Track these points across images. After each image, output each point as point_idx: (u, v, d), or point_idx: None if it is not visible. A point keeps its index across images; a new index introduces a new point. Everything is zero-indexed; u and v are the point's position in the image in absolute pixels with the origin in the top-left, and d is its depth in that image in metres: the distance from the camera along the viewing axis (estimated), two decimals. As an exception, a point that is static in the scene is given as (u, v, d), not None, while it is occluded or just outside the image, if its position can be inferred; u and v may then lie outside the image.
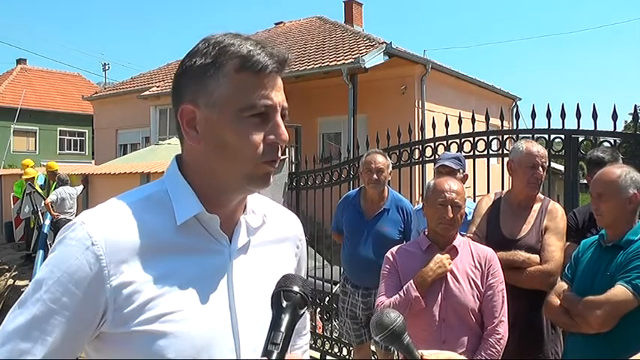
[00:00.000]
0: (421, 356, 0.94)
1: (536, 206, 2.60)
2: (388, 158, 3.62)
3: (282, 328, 0.76)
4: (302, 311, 0.79)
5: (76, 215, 8.32)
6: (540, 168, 2.55)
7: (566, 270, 2.29)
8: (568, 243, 2.54)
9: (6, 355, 0.80)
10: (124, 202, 0.91)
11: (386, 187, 3.59)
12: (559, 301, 2.20)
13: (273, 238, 1.04)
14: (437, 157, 4.71)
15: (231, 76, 0.88)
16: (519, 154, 2.62)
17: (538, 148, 2.59)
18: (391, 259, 2.30)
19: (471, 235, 2.56)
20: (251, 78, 0.89)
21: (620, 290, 1.95)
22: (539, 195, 2.66)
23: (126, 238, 0.86)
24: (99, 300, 0.83)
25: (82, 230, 0.85)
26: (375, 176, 3.44)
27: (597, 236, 2.21)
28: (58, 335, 0.81)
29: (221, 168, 0.91)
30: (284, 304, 0.78)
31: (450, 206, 2.16)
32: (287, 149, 5.29)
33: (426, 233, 2.30)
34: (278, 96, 0.91)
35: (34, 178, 9.37)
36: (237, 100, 0.88)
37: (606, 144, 3.39)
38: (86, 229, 0.85)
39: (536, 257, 2.44)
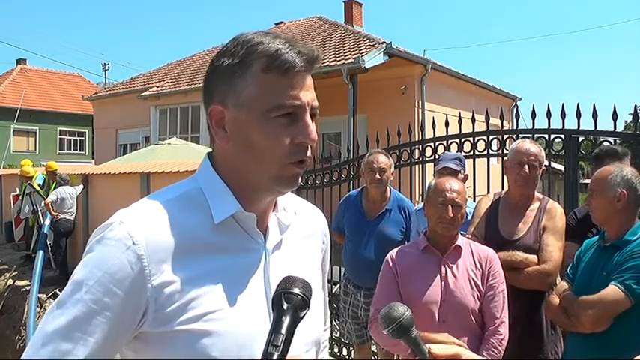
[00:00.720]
0: (429, 350, 0.94)
1: (535, 206, 2.59)
2: (391, 158, 3.61)
3: (283, 330, 0.76)
4: (302, 313, 0.79)
5: (75, 215, 8.36)
6: (527, 166, 2.51)
7: (568, 269, 2.29)
8: (567, 242, 2.54)
9: (48, 355, 0.80)
10: (158, 201, 0.90)
11: (388, 188, 3.59)
12: (559, 301, 2.20)
13: (302, 234, 1.06)
14: (437, 157, 4.71)
15: (258, 77, 0.88)
16: (510, 153, 2.63)
17: (529, 147, 2.56)
18: (390, 263, 2.29)
19: (470, 236, 2.56)
20: (278, 78, 0.88)
21: (612, 290, 1.95)
22: (538, 194, 2.65)
23: (165, 237, 0.85)
24: (140, 300, 0.83)
25: (121, 230, 0.84)
26: (377, 176, 3.43)
27: (598, 236, 2.21)
28: (100, 336, 0.81)
29: (250, 168, 0.91)
30: (285, 306, 0.78)
31: (450, 206, 2.16)
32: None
33: (426, 233, 2.30)
34: (307, 95, 0.90)
35: (32, 177, 9.36)
36: (264, 101, 0.88)
37: (606, 144, 3.39)
38: (126, 228, 0.84)
39: (533, 257, 2.43)
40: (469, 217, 2.72)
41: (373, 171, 3.44)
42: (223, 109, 0.91)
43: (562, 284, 2.27)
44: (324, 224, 1.15)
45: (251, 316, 0.89)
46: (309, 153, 0.91)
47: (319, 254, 1.11)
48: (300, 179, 0.93)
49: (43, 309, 6.82)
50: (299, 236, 1.04)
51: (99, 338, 0.81)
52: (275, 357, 0.74)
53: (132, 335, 0.86)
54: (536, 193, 2.65)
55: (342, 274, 4.03)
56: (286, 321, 0.77)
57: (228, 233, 0.91)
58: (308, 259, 1.04)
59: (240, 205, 0.91)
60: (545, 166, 2.77)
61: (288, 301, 0.79)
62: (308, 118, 0.90)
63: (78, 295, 0.82)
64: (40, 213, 8.79)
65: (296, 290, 0.80)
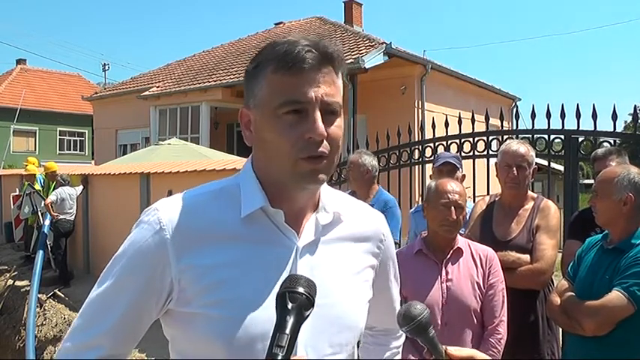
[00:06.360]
0: (445, 350, 0.94)
1: (529, 205, 2.58)
2: (373, 158, 3.59)
3: (287, 330, 0.74)
4: (307, 313, 0.78)
5: (75, 216, 8.35)
6: (516, 168, 2.50)
7: (569, 268, 2.27)
8: (571, 241, 2.52)
9: (89, 316, 0.95)
10: (197, 193, 0.99)
11: (376, 187, 3.59)
12: (559, 301, 2.19)
13: (348, 236, 1.04)
14: (435, 157, 4.70)
15: (268, 78, 0.92)
16: (499, 155, 2.63)
17: (516, 148, 2.54)
18: None
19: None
20: (285, 77, 0.90)
21: (615, 296, 1.91)
22: (532, 194, 2.64)
23: (193, 225, 0.93)
24: (165, 279, 0.92)
25: (154, 215, 0.94)
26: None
27: (601, 236, 2.18)
28: (126, 307, 0.93)
29: (269, 166, 0.95)
30: (289, 305, 0.77)
31: (453, 207, 2.14)
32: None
33: (424, 235, 2.29)
34: (317, 91, 0.90)
35: (34, 175, 9.34)
36: (272, 99, 0.91)
37: (606, 144, 3.39)
38: (158, 214, 0.94)
39: (526, 257, 2.43)
40: (468, 218, 2.72)
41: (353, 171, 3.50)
42: (248, 112, 0.97)
43: (562, 283, 2.25)
44: (381, 228, 1.12)
45: (269, 308, 0.87)
46: (321, 149, 0.90)
47: (370, 258, 1.08)
48: (322, 175, 0.92)
49: (42, 309, 6.82)
50: (343, 237, 1.03)
51: (126, 309, 0.93)
52: (279, 357, 0.72)
53: (162, 311, 0.95)
54: (530, 193, 2.64)
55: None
56: (290, 321, 0.75)
57: (258, 226, 0.95)
58: (350, 262, 1.03)
59: (270, 201, 0.95)
60: (539, 164, 2.76)
61: (293, 301, 0.77)
62: (317, 113, 0.89)
63: (114, 269, 0.95)
64: (39, 213, 8.78)
65: (300, 289, 0.78)
